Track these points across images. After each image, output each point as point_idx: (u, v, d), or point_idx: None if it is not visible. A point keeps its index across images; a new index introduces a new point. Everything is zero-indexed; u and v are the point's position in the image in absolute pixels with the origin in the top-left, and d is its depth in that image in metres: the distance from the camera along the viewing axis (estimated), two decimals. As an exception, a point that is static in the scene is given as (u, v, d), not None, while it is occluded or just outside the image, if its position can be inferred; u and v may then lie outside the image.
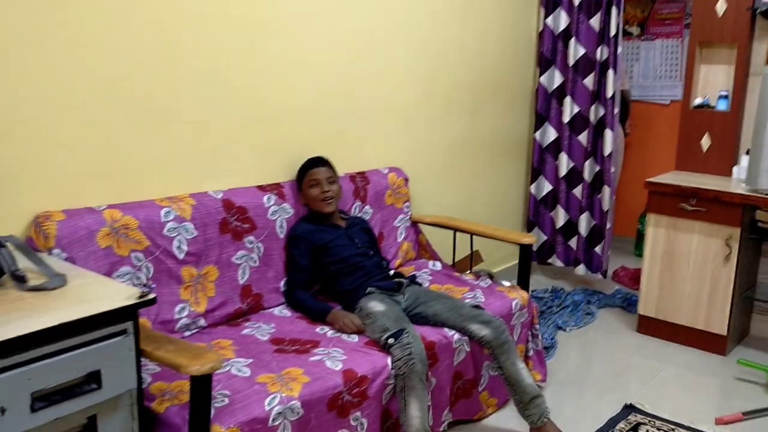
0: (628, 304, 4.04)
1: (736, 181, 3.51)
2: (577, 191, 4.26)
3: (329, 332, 2.48)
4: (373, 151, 3.29)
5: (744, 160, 3.55)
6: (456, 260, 3.29)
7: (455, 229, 3.26)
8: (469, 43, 3.77)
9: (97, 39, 2.21)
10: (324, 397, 2.10)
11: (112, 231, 2.23)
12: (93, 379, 1.57)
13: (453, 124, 3.76)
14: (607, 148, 4.05)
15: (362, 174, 3.15)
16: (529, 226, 4.44)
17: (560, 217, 4.33)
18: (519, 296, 2.93)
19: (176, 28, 2.42)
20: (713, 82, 3.74)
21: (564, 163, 4.25)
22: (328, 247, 2.73)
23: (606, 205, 4.13)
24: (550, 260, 4.45)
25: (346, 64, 3.08)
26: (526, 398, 2.55)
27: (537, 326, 3.02)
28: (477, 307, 2.68)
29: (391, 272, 2.81)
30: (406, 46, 3.37)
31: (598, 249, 4.22)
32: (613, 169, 4.09)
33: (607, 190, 4.10)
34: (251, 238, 2.64)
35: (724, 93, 3.63)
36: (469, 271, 3.23)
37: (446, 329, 2.58)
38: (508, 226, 4.39)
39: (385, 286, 2.69)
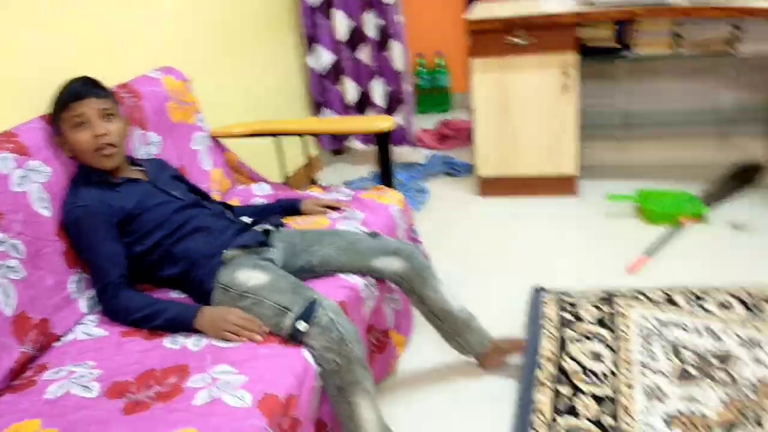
0: (452, 168, 3.56)
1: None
2: (363, 54, 3.55)
3: (191, 342, 1.55)
4: (125, 46, 2.20)
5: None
6: (289, 176, 2.43)
7: (279, 134, 2.36)
8: None
9: None
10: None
11: None
12: None
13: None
14: (389, -6, 3.36)
15: (126, 87, 2.06)
16: (317, 109, 3.66)
17: (350, 90, 3.60)
18: (392, 199, 2.22)
19: None
20: None
21: (341, 22, 3.47)
22: (136, 214, 1.72)
23: (399, 64, 3.49)
24: (346, 143, 3.76)
25: None
26: (460, 326, 1.95)
27: (415, 228, 2.36)
28: (374, 234, 1.92)
29: (248, 220, 1.89)
30: None
31: (399, 117, 3.61)
32: (401, 19, 3.42)
33: (397, 46, 3.45)
34: (-1, 235, 1.54)
35: None
36: (312, 184, 2.41)
37: (341, 275, 1.81)
38: (293, 113, 3.58)
39: (248, 240, 1.77)
